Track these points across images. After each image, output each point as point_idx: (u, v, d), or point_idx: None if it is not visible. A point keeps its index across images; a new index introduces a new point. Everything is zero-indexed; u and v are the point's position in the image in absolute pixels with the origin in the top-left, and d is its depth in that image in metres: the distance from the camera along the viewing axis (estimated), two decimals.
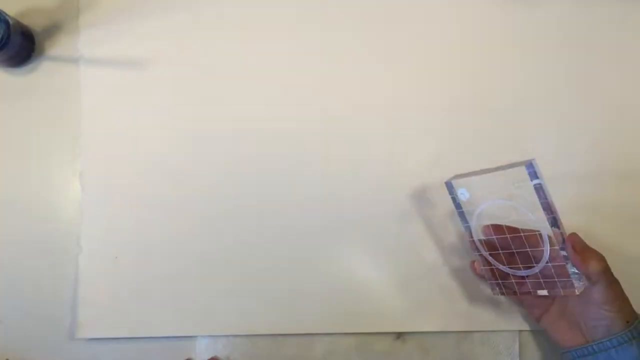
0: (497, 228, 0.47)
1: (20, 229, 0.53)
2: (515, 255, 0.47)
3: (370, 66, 0.54)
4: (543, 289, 0.46)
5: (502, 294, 0.48)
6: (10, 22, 0.48)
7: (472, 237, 0.48)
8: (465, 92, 0.54)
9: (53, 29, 0.53)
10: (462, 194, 0.47)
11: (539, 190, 0.43)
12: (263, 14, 0.54)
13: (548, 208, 0.43)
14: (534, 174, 0.42)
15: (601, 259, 0.45)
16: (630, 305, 0.45)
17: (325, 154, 0.53)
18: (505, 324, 0.52)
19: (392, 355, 0.52)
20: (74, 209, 0.53)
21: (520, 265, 0.47)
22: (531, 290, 0.47)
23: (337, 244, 0.52)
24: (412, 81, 0.54)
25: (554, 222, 0.43)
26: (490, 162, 0.53)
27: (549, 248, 0.45)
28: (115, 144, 0.53)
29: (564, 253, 0.44)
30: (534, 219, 0.44)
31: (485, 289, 0.52)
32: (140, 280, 0.52)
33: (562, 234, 0.44)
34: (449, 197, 0.48)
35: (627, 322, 0.44)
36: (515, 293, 0.48)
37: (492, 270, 0.48)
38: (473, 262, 0.50)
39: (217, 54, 0.54)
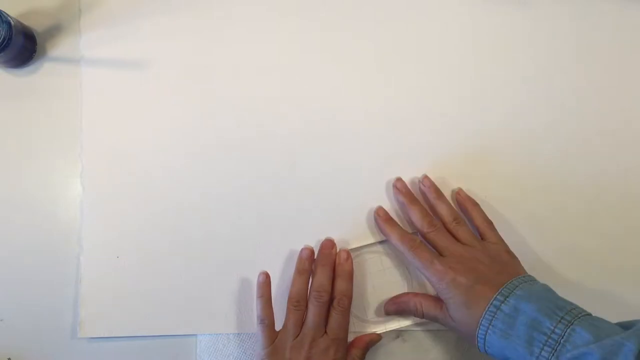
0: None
1: (21, 228, 0.53)
2: None
3: (369, 66, 0.54)
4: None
5: None
6: (12, 23, 0.48)
7: None
8: (465, 93, 0.54)
9: (54, 30, 0.54)
10: None
11: None
12: (263, 13, 0.54)
13: None
14: None
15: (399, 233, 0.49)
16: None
17: (327, 154, 0.54)
18: None
19: (392, 355, 0.52)
20: (74, 209, 0.53)
21: None
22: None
23: (336, 243, 0.53)
24: (412, 82, 0.54)
25: None
26: (489, 163, 0.53)
27: None
28: (116, 144, 0.53)
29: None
30: None
31: None
32: (141, 280, 0.52)
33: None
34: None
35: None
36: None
37: None
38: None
39: (218, 54, 0.54)
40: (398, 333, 0.52)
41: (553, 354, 0.39)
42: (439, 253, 0.48)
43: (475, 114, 0.54)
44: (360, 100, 0.54)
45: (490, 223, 0.51)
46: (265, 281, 0.51)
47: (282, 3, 0.54)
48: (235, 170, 0.53)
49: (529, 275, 0.46)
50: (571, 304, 0.42)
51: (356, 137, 0.54)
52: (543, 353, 0.40)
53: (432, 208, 0.51)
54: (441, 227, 0.49)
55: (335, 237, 0.52)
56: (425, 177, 0.52)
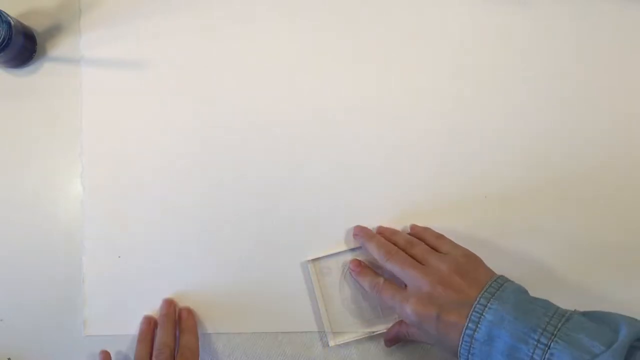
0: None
1: (22, 229, 0.53)
2: None
3: (369, 66, 0.54)
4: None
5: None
6: (12, 23, 0.48)
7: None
8: (465, 93, 0.54)
9: (54, 30, 0.54)
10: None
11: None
12: (264, 13, 0.54)
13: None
14: None
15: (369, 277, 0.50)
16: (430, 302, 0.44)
17: (327, 155, 0.54)
18: None
19: (392, 355, 0.52)
20: (75, 209, 0.53)
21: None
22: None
23: (336, 246, 0.53)
24: (412, 82, 0.54)
25: None
26: (489, 162, 0.54)
27: None
28: (116, 144, 0.53)
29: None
30: None
31: None
32: (143, 279, 0.52)
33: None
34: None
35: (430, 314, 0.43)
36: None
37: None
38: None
39: (218, 55, 0.54)
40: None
41: None
42: (403, 282, 0.47)
43: (475, 114, 0.54)
44: (360, 100, 0.54)
45: (439, 236, 0.50)
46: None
47: (282, 3, 0.54)
48: (235, 170, 0.53)
49: (496, 280, 0.44)
50: (545, 313, 0.40)
51: (356, 137, 0.54)
52: None
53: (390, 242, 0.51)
54: (398, 251, 0.48)
55: (335, 237, 0.53)
56: (380, 226, 0.53)
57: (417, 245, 0.49)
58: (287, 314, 0.52)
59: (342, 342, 0.52)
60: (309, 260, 0.52)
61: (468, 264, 0.46)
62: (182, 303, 0.52)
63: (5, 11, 0.48)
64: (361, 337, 0.52)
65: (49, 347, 0.52)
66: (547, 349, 0.38)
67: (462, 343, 0.41)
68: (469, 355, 0.41)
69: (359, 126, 0.54)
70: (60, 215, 0.53)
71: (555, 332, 0.38)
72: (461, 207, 0.53)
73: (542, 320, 0.39)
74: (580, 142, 0.54)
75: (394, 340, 0.51)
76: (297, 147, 0.54)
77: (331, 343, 0.51)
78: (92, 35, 0.54)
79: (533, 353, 0.38)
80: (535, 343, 0.38)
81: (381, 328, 0.52)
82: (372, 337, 0.52)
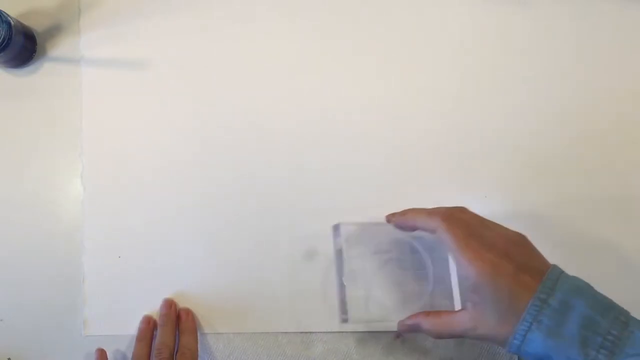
0: None
1: (22, 228, 0.53)
2: None
3: (369, 66, 0.55)
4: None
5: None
6: (12, 23, 0.48)
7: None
8: (465, 93, 0.54)
9: (54, 30, 0.54)
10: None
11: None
12: (263, 13, 0.54)
13: None
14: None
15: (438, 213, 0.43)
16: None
17: (327, 155, 0.54)
18: None
19: (392, 355, 0.52)
20: (76, 209, 0.53)
21: None
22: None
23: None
24: (412, 82, 0.54)
25: None
26: (489, 163, 0.54)
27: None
28: (117, 144, 0.53)
29: None
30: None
31: None
32: (143, 279, 0.52)
33: None
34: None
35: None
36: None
37: None
38: None
39: (218, 55, 0.54)
40: (398, 333, 0.52)
41: (610, 358, 0.35)
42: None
43: (475, 114, 0.54)
44: (360, 101, 0.54)
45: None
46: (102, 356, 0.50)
47: (282, 3, 0.54)
48: (235, 170, 0.53)
49: (555, 265, 0.40)
50: (612, 300, 0.38)
51: (356, 137, 0.54)
52: (599, 356, 0.35)
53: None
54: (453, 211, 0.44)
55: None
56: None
57: (468, 211, 0.44)
58: (287, 314, 0.52)
59: (352, 330, 0.51)
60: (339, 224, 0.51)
61: (523, 240, 0.42)
62: (182, 303, 0.52)
63: (5, 11, 0.48)
64: (369, 330, 0.52)
65: (49, 347, 0.52)
66: (625, 325, 0.36)
67: (529, 307, 0.37)
68: (533, 322, 0.37)
69: (359, 126, 0.54)
70: (60, 215, 0.53)
71: (629, 316, 0.37)
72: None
73: (614, 304, 0.37)
74: (580, 142, 0.54)
75: (410, 330, 0.46)
76: (297, 147, 0.54)
77: (341, 324, 0.51)
78: (92, 35, 0.54)
79: (611, 327, 0.36)
80: (614, 318, 0.36)
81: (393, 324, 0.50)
82: (372, 336, 0.52)
